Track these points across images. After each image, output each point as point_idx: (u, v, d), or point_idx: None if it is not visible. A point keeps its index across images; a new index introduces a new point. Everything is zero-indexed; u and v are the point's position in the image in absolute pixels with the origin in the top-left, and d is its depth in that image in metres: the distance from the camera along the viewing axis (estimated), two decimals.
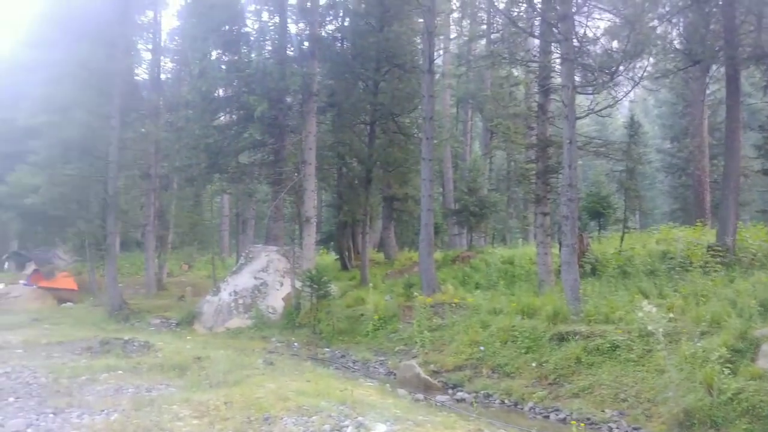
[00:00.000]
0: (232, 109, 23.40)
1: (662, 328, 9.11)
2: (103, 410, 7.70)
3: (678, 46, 20.76)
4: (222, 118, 24.24)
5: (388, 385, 11.79)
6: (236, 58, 22.08)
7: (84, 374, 10.36)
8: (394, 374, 13.07)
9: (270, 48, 23.38)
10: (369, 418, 7.38)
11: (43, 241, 36.19)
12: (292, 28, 23.93)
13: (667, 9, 20.00)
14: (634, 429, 8.79)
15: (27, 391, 9.04)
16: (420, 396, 11.01)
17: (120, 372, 10.72)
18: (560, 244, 14.62)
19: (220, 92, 22.65)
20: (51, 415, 7.54)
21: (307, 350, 16.06)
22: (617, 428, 8.94)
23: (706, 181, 23.55)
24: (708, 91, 25.51)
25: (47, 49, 26.22)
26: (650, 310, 9.15)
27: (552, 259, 17.09)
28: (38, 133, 27.07)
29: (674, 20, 20.56)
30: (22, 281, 30.28)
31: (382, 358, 14.60)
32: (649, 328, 9.24)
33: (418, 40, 24.19)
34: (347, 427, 6.94)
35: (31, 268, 32.47)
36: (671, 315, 10.15)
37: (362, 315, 17.42)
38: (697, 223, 20.26)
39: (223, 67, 21.99)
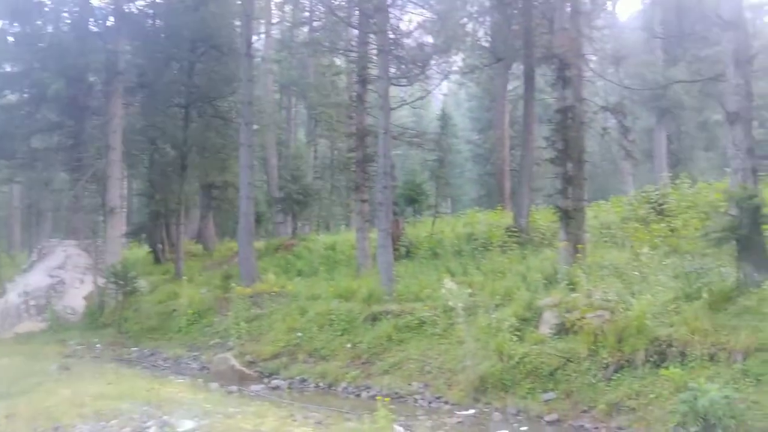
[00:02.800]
0: (23, 87, 20.87)
1: (462, 303, 9.77)
2: None
3: (485, 44, 22.39)
4: (9, 96, 21.49)
5: (200, 380, 11.37)
6: (28, 29, 19.69)
7: None
8: (208, 369, 12.72)
9: (69, 21, 21.20)
10: (175, 416, 7.01)
11: None
12: (96, 1, 21.94)
13: (475, 8, 21.44)
14: (437, 398, 9.39)
15: None
16: (233, 388, 10.79)
17: None
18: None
19: (8, 68, 20.10)
20: None
21: (112, 351, 14.99)
22: (422, 399, 9.52)
23: (506, 170, 25.70)
24: (510, 87, 27.77)
25: None
26: (451, 287, 9.76)
27: (370, 244, 17.56)
28: None
29: (481, 19, 22.12)
30: None
31: (196, 353, 14.07)
32: (450, 303, 9.85)
33: (238, 23, 23.41)
34: (150, 428, 6.53)
35: None
36: (471, 291, 10.92)
37: (175, 310, 16.59)
38: (498, 208, 22.00)
39: (11, 39, 19.54)
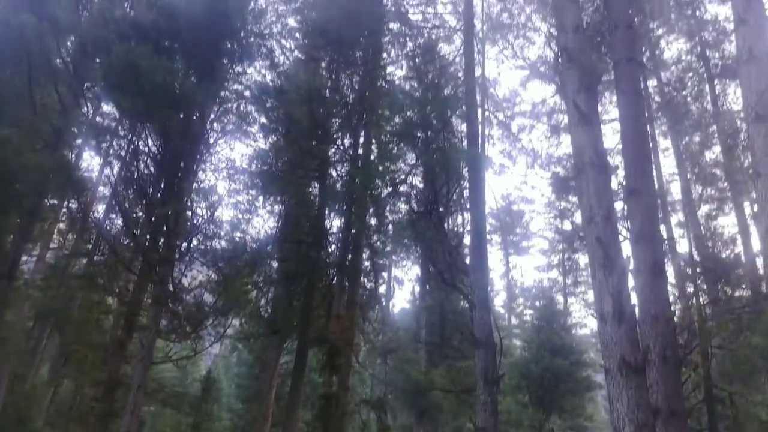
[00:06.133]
0: None
1: None
2: None
3: (264, 314, 22.67)
4: None
5: None
6: None
7: None
8: None
9: None
10: None
11: None
12: None
13: (261, 278, 22.12)
14: None
15: None
16: None
17: None
18: None
19: None
20: None
21: None
22: None
23: None
24: (282, 360, 27.65)
25: None
26: None
27: None
28: None
29: (265, 289, 22.74)
30: None
31: None
32: None
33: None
34: None
35: None
36: None
37: None
38: None
39: None
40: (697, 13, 21.44)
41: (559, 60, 10.06)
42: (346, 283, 18.07)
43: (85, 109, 18.64)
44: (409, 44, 20.27)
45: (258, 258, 20.34)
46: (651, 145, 16.40)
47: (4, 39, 14.86)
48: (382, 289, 33.29)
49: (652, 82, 21.55)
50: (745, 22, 7.69)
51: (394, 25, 20.59)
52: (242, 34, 17.00)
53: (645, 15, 16.52)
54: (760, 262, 14.83)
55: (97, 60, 16.28)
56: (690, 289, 14.07)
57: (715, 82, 20.94)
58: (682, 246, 21.15)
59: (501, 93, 20.27)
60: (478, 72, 17.50)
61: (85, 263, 30.69)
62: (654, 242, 9.30)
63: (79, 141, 22.42)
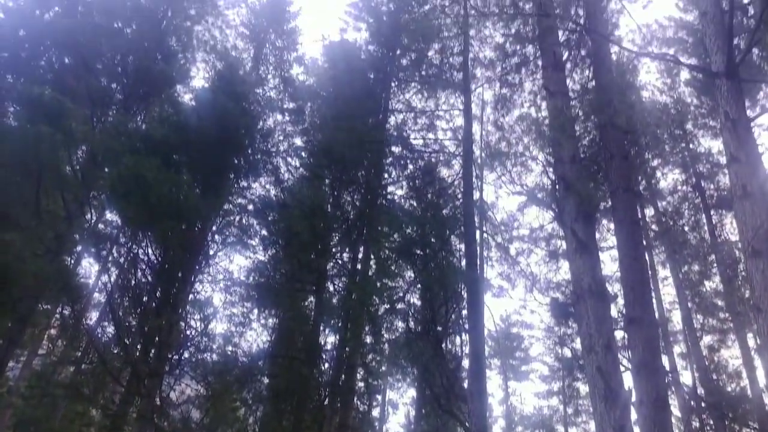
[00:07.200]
0: None
1: None
2: None
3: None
4: None
5: None
6: None
7: None
8: None
9: None
10: None
11: None
12: None
13: (251, 395, 21.43)
14: None
15: None
16: None
17: None
18: None
19: None
20: None
21: None
22: None
23: None
24: None
25: None
26: None
27: None
28: None
29: (254, 406, 21.97)
30: None
31: None
32: None
33: None
34: None
35: None
36: None
37: None
38: None
39: None
40: (691, 146, 22.21)
41: (557, 188, 10.31)
42: (339, 404, 17.39)
43: (89, 216, 18.83)
44: (410, 166, 20.84)
45: (248, 373, 19.75)
46: (650, 273, 16.41)
47: (19, 147, 15.31)
48: (375, 412, 32.06)
49: (649, 211, 21.90)
50: (737, 160, 7.92)
51: (396, 149, 21.28)
52: (250, 152, 17.56)
53: (640, 147, 17.09)
54: (766, 398, 14.35)
55: (106, 170, 16.69)
56: (695, 424, 13.49)
57: (712, 212, 21.30)
58: (686, 378, 20.59)
59: (499, 216, 20.50)
60: (476, 195, 17.85)
61: (72, 371, 29.79)
62: (656, 373, 9.04)
63: (79, 247, 22.48)
